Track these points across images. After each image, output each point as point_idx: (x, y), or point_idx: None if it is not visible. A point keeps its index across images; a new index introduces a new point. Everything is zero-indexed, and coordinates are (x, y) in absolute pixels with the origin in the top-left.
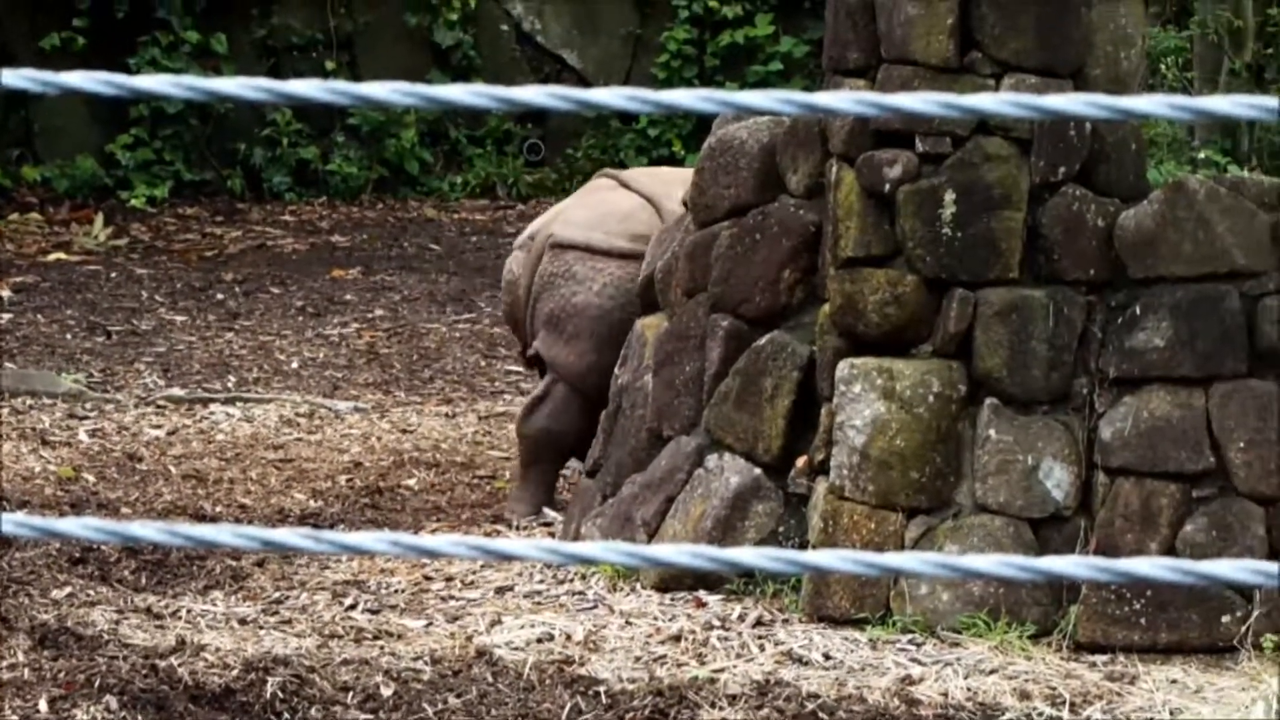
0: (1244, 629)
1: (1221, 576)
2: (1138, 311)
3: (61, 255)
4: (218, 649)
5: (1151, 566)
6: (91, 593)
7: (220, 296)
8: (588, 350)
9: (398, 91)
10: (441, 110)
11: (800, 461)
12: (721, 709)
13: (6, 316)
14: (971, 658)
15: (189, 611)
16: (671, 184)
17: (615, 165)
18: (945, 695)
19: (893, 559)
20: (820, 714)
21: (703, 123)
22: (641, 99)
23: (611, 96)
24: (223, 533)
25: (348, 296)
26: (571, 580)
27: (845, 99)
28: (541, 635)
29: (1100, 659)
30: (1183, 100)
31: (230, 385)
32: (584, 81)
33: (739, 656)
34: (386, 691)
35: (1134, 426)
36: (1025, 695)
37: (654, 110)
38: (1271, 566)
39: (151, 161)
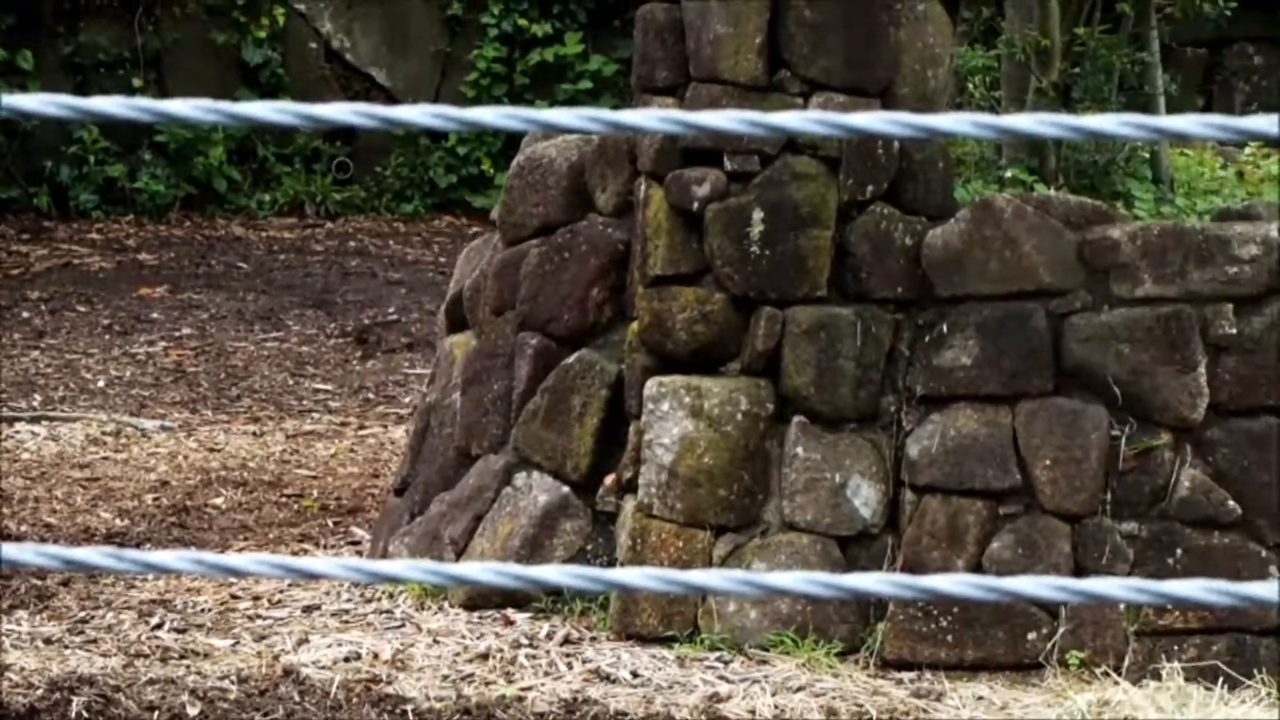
0: (1049, 646)
1: (1024, 593)
2: (945, 330)
3: None
4: (22, 669)
5: (955, 584)
6: None
7: (26, 315)
8: None
9: (203, 109)
10: (249, 128)
11: (608, 480)
12: None
13: None
14: (779, 675)
15: None
16: None
17: (424, 183)
18: (753, 713)
19: (698, 577)
20: None
21: (512, 141)
22: (447, 116)
23: (417, 114)
24: (26, 552)
25: (155, 315)
26: (379, 599)
27: (650, 117)
28: (349, 654)
29: (907, 676)
30: (987, 119)
31: (36, 404)
32: (393, 99)
33: (547, 675)
34: (193, 711)
35: (941, 444)
36: (832, 712)
37: (460, 128)
38: (1074, 583)
39: None
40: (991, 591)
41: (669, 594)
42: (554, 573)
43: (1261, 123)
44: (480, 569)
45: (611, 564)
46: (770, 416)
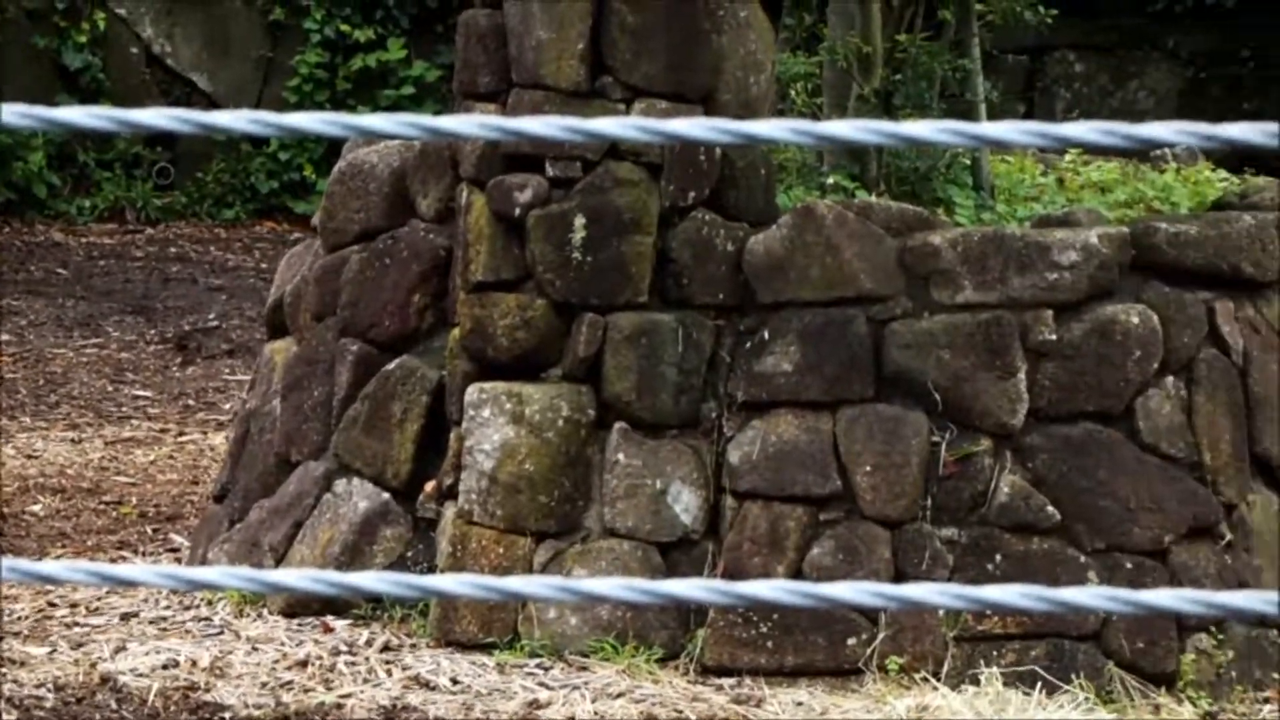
0: (869, 651)
1: (842, 599)
2: (766, 336)
3: None
4: None
5: (774, 590)
6: None
7: None
8: None
9: (18, 114)
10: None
11: (429, 486)
12: None
13: None
14: (599, 681)
15: None
16: None
17: (245, 189)
18: (572, 719)
19: (515, 583)
20: None
21: (334, 147)
22: (265, 122)
23: (234, 120)
24: None
25: None
26: (198, 606)
27: (468, 122)
28: (167, 662)
29: (727, 682)
30: (806, 125)
31: None
32: (215, 105)
33: (366, 682)
34: (9, 718)
35: (762, 450)
36: (652, 718)
37: (278, 134)
38: (892, 589)
39: None
40: (809, 598)
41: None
42: (371, 580)
43: (1080, 129)
44: (297, 576)
45: (432, 571)
46: (591, 423)
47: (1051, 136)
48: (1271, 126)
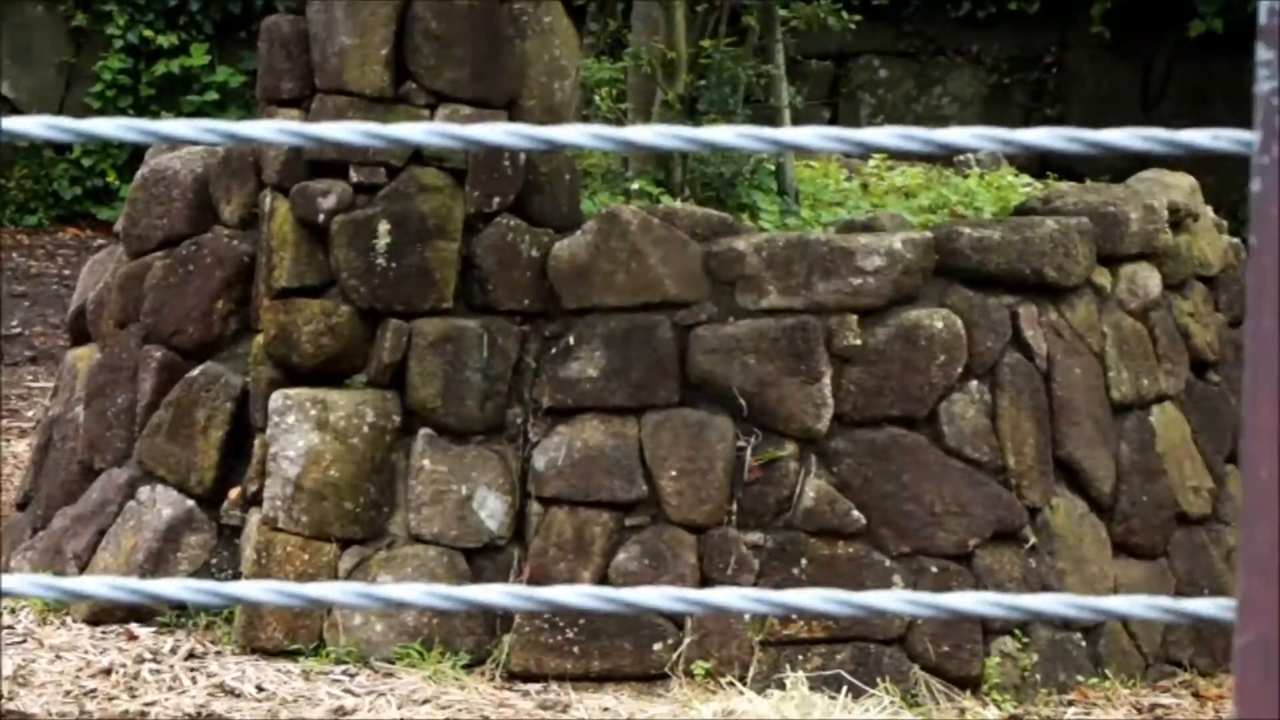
0: (675, 656)
1: (645, 604)
2: (571, 341)
3: None
4: None
5: (576, 595)
6: None
7: None
8: None
9: None
10: None
11: (233, 493)
12: None
13: None
14: (405, 688)
15: None
16: None
17: (48, 195)
18: None
19: (318, 590)
20: None
21: (138, 153)
22: (63, 128)
23: (33, 125)
24: None
25: None
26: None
27: (269, 128)
28: None
29: (534, 688)
30: (607, 130)
31: None
32: (17, 111)
33: (170, 689)
34: None
35: (567, 456)
36: None
37: (76, 139)
38: (695, 594)
39: None
40: (612, 603)
41: (292, 607)
42: (174, 587)
43: (880, 135)
44: (100, 584)
45: (237, 577)
46: (397, 429)
47: (852, 141)
48: (1069, 131)
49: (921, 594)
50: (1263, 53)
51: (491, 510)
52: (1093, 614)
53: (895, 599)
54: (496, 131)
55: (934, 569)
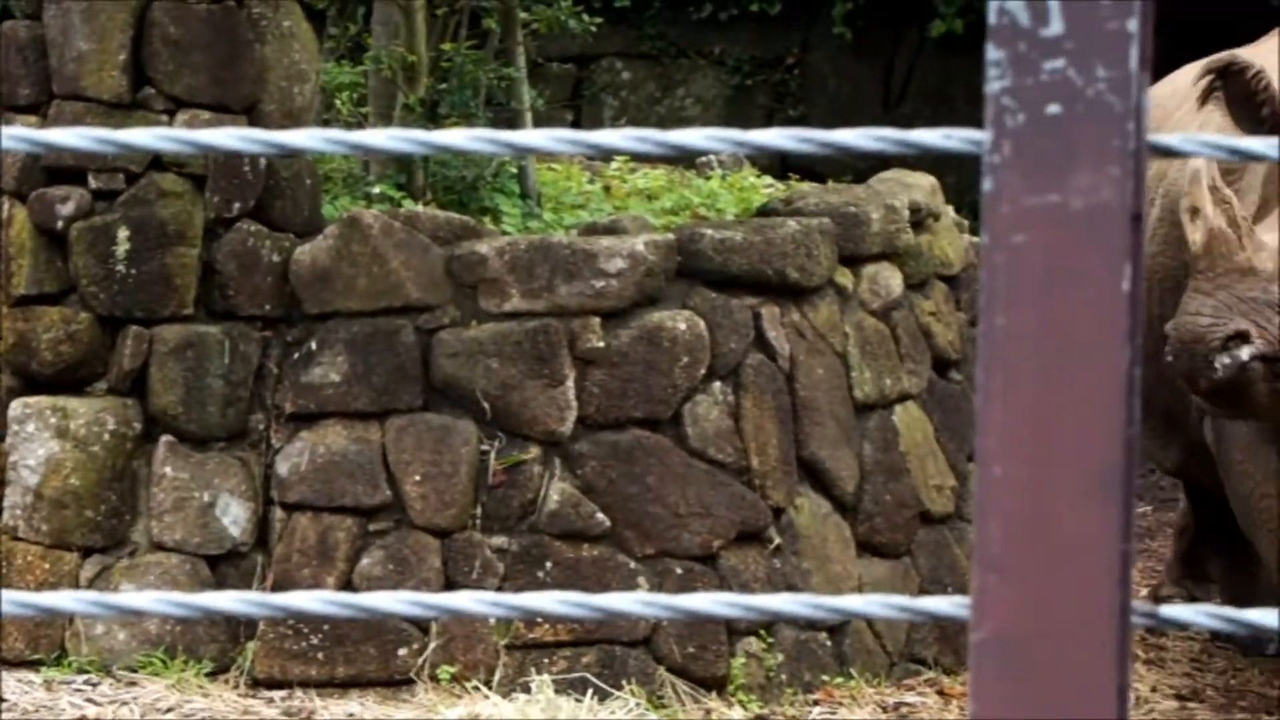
0: (421, 661)
1: (384, 610)
2: (314, 347)
3: None
4: None
5: (314, 601)
6: None
7: None
8: None
9: None
10: None
11: None
12: None
13: None
14: (148, 696)
15: None
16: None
17: None
18: None
19: (52, 599)
20: None
21: None
22: None
23: None
24: None
25: None
26: None
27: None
28: None
29: (278, 694)
30: (340, 134)
31: None
32: None
33: None
34: None
35: (310, 461)
36: None
37: None
38: (435, 599)
39: None
40: (349, 608)
41: (31, 617)
42: None
43: (613, 136)
44: None
45: None
46: (138, 436)
47: (586, 144)
48: (801, 131)
49: (660, 595)
50: (992, 52)
51: (234, 517)
52: (830, 614)
53: (633, 601)
54: (228, 136)
55: (679, 570)
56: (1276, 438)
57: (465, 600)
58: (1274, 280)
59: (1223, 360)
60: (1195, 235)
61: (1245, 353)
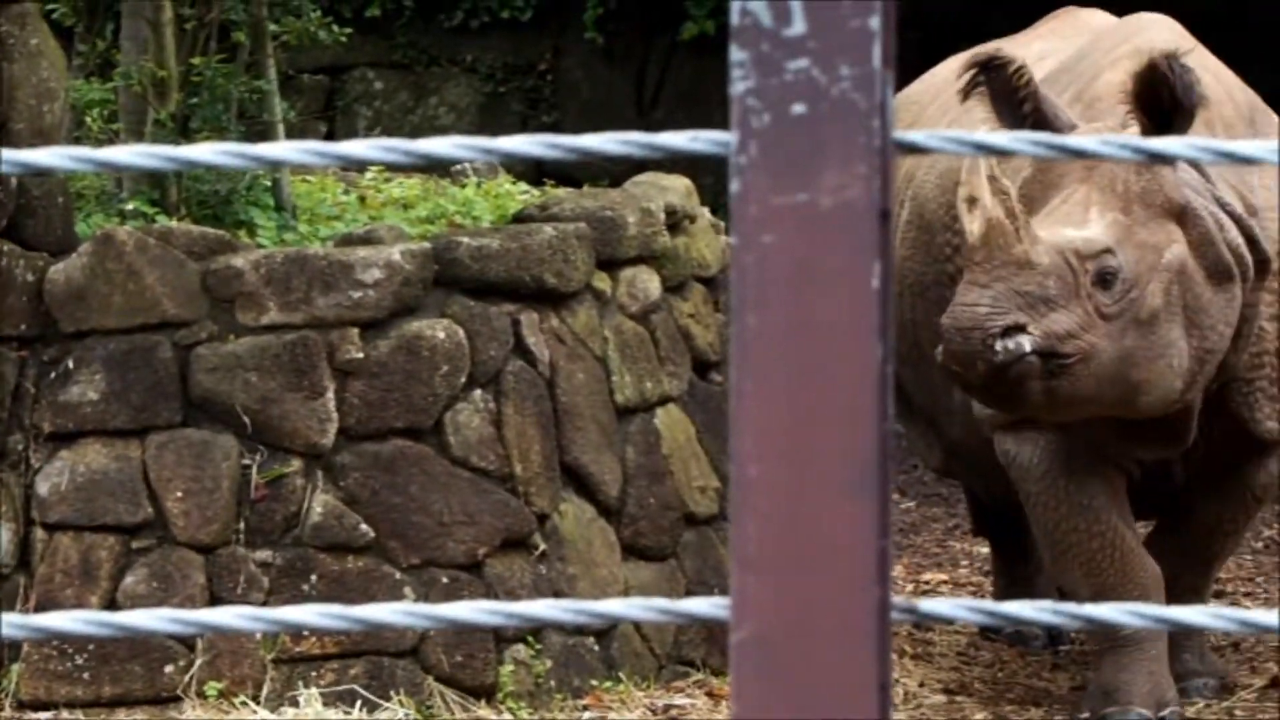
0: (187, 678)
1: (141, 627)
2: (71, 365)
3: None
4: None
5: (72, 621)
6: None
7: None
8: None
9: None
10: None
11: None
12: None
13: None
14: None
15: None
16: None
17: None
18: None
19: None
20: None
21: None
22: None
23: None
24: None
25: None
26: None
27: None
28: None
29: (44, 716)
30: (85, 152)
31: None
32: None
33: None
34: None
35: (71, 481)
36: None
37: None
38: (192, 615)
39: None
40: (108, 627)
41: None
42: None
43: (359, 147)
44: None
45: None
46: None
47: (333, 155)
48: (549, 138)
49: (422, 605)
50: (736, 53)
51: None
52: (592, 618)
53: (396, 611)
54: None
55: (445, 579)
56: (1071, 467)
57: (226, 616)
58: (1049, 275)
59: (1005, 344)
60: (973, 225)
61: (1027, 343)
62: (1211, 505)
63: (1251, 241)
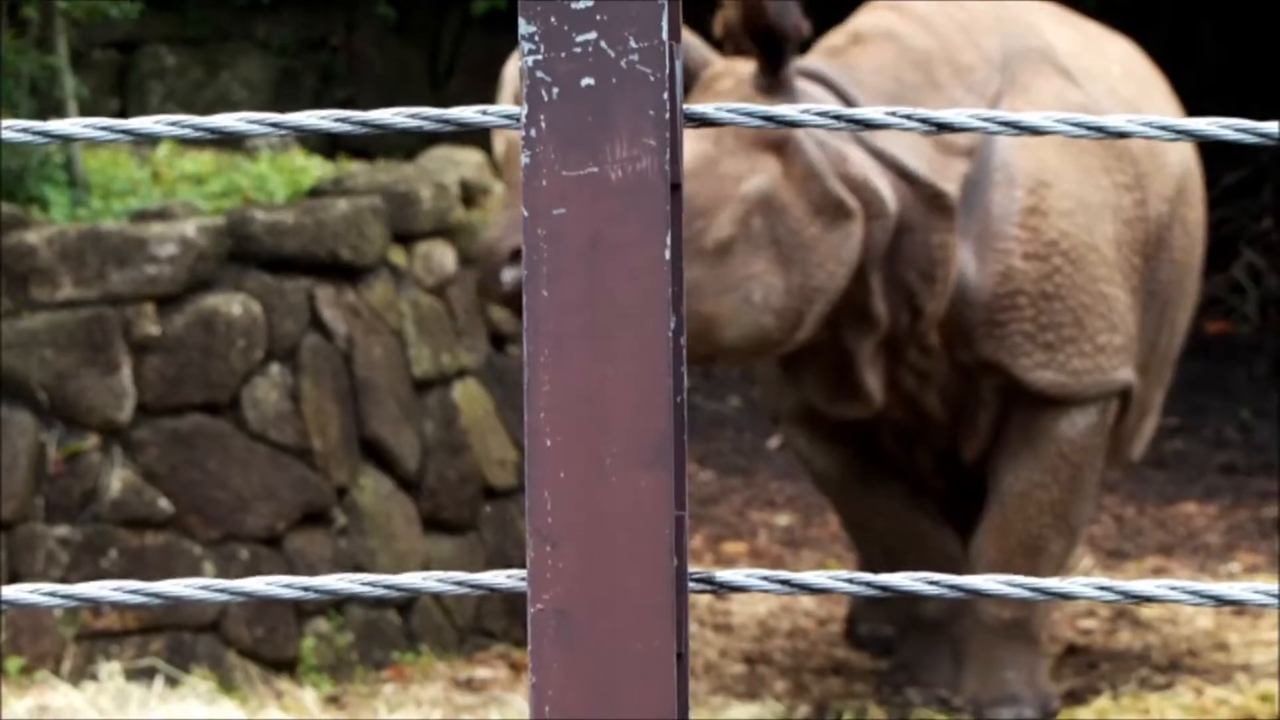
0: None
1: None
2: None
3: None
4: None
5: None
6: None
7: None
8: None
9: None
10: None
11: None
12: None
13: None
14: None
15: None
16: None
17: None
18: None
19: None
20: None
21: None
22: None
23: None
24: None
25: None
26: None
27: None
28: None
29: None
30: None
31: None
32: None
33: None
34: None
35: None
36: None
37: None
38: None
39: None
40: None
41: None
42: None
43: (150, 123)
44: None
45: None
46: None
47: (123, 130)
48: (339, 112)
49: (220, 580)
50: (525, 26)
51: None
52: (389, 591)
53: (193, 586)
54: None
55: (245, 554)
56: (867, 474)
57: (21, 592)
58: None
59: (509, 274)
60: (498, 145)
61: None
62: (1020, 470)
63: (908, 179)
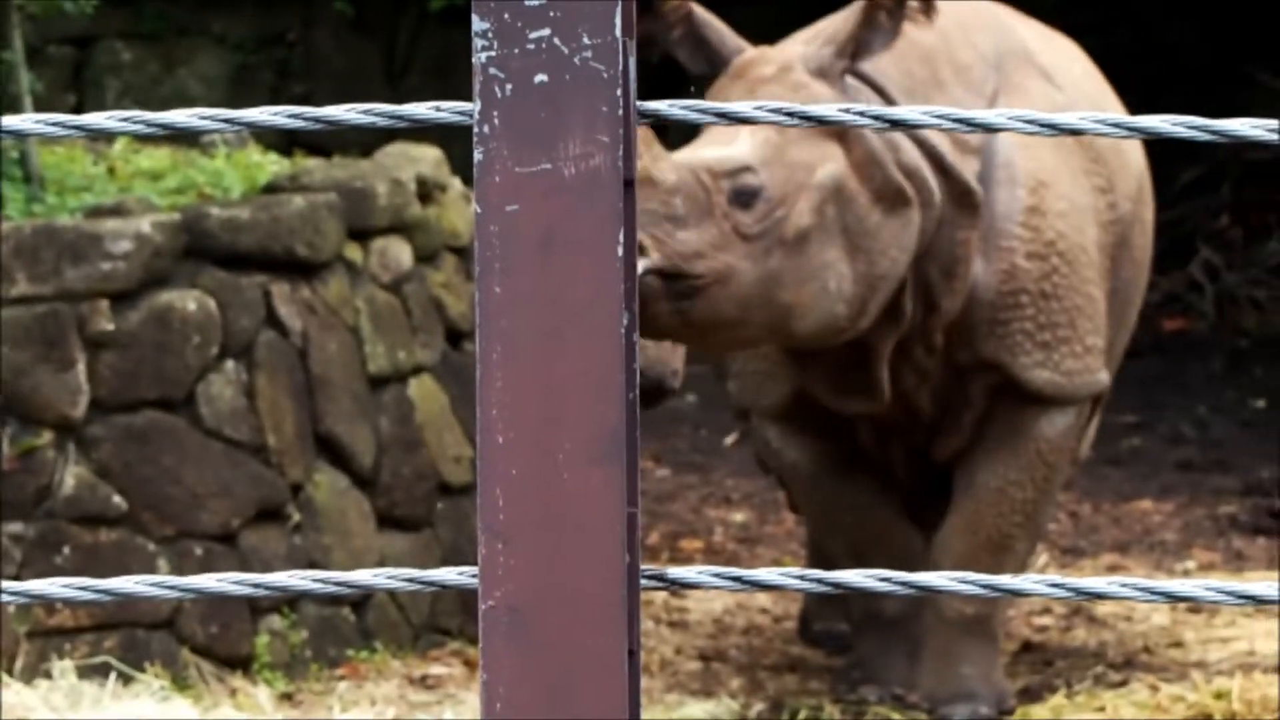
0: None
1: None
2: None
3: None
4: None
5: None
6: None
7: None
8: None
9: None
10: None
11: None
12: None
13: None
14: None
15: None
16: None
17: None
18: None
19: None
20: None
21: None
22: None
23: None
24: None
25: None
26: None
27: None
28: None
29: None
30: None
31: None
32: None
33: None
34: None
35: None
36: None
37: None
38: None
39: None
40: None
41: None
42: None
43: (101, 119)
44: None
45: None
46: None
47: (75, 126)
48: (294, 109)
49: (173, 578)
50: (478, 23)
51: None
52: (340, 588)
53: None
54: None
55: (199, 551)
56: (838, 470)
57: None
58: (675, 193)
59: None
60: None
61: (641, 265)
62: (997, 468)
63: (944, 172)
